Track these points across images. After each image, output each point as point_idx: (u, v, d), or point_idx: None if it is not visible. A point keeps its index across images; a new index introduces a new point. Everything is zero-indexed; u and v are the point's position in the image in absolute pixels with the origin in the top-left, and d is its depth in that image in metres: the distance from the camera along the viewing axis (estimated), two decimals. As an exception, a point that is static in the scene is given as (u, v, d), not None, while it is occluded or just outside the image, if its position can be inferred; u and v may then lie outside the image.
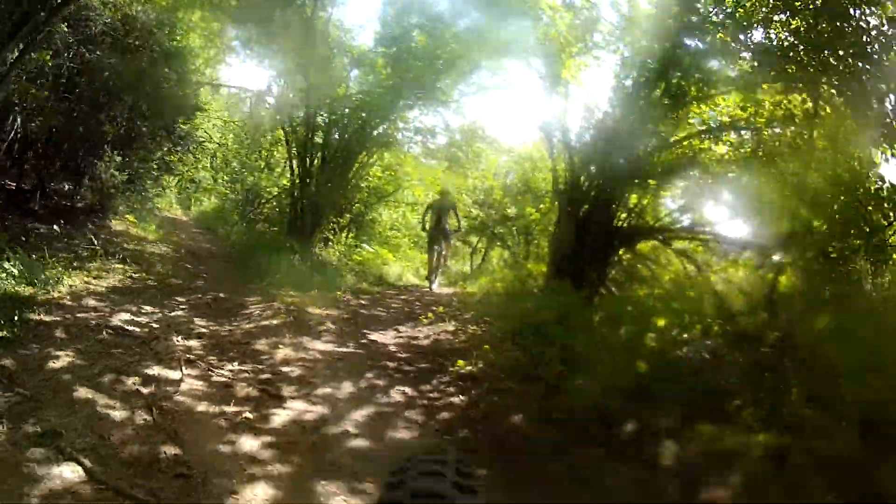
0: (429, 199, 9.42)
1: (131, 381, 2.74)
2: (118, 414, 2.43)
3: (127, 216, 5.73)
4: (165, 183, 7.46)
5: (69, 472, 2.02)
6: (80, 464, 2.05)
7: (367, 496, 2.18)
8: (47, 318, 3.20)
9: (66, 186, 5.35)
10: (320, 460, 2.40)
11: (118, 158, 5.59)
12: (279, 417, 2.75)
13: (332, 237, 8.92)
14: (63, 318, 3.26)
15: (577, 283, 6.19)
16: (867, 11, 5.43)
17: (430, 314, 5.54)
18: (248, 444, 2.44)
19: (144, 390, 2.69)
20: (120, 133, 5.46)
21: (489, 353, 4.02)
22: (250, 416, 2.71)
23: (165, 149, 6.31)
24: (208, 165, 8.47)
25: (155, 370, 2.95)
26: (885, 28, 5.44)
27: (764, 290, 4.35)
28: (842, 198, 6.07)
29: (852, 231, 4.61)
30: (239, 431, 2.54)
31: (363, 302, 6.11)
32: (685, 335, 3.83)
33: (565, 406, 3.05)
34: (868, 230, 4.51)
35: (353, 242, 9.38)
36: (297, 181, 8.44)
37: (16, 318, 2.96)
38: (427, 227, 8.52)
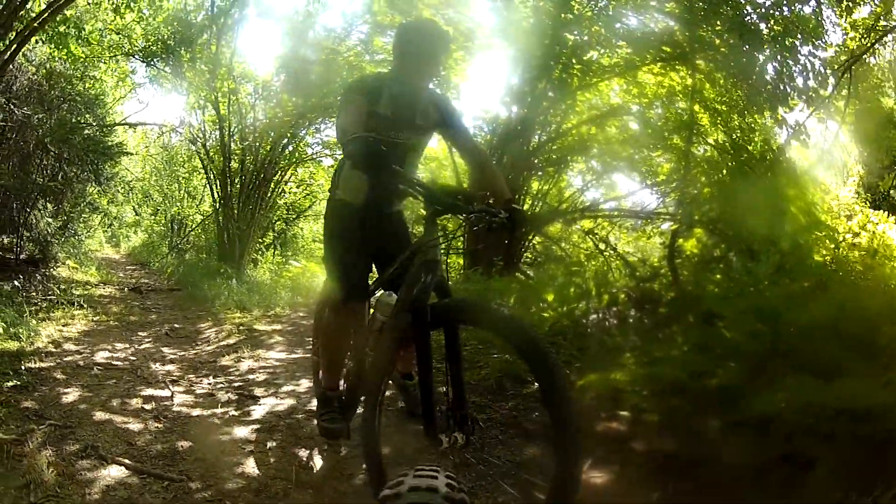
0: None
1: (135, 402, 3.45)
2: (135, 426, 3.15)
3: (68, 261, 6.07)
4: (93, 222, 7.70)
5: (115, 472, 2.61)
6: (122, 464, 2.70)
7: (339, 455, 3.10)
8: (44, 365, 3.78)
9: (5, 240, 5.62)
10: (298, 434, 3.26)
11: (50, 206, 5.94)
12: (257, 411, 3.57)
13: (259, 258, 9.44)
14: (56, 363, 3.85)
15: (490, 271, 7.19)
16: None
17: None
18: (240, 432, 3.26)
19: (148, 407, 3.42)
20: (49, 182, 5.80)
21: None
22: (235, 413, 3.53)
23: (95, 191, 6.65)
24: (131, 201, 8.68)
25: (148, 391, 3.67)
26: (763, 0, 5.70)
27: (665, 255, 4.50)
28: (730, 163, 6.73)
29: (740, 193, 4.63)
30: (230, 425, 3.34)
31: (301, 314, 6.87)
32: (591, 306, 4.39)
33: (482, 375, 4.00)
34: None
35: (281, 259, 9.94)
36: (220, 207, 8.93)
37: (21, 368, 3.54)
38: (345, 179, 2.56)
